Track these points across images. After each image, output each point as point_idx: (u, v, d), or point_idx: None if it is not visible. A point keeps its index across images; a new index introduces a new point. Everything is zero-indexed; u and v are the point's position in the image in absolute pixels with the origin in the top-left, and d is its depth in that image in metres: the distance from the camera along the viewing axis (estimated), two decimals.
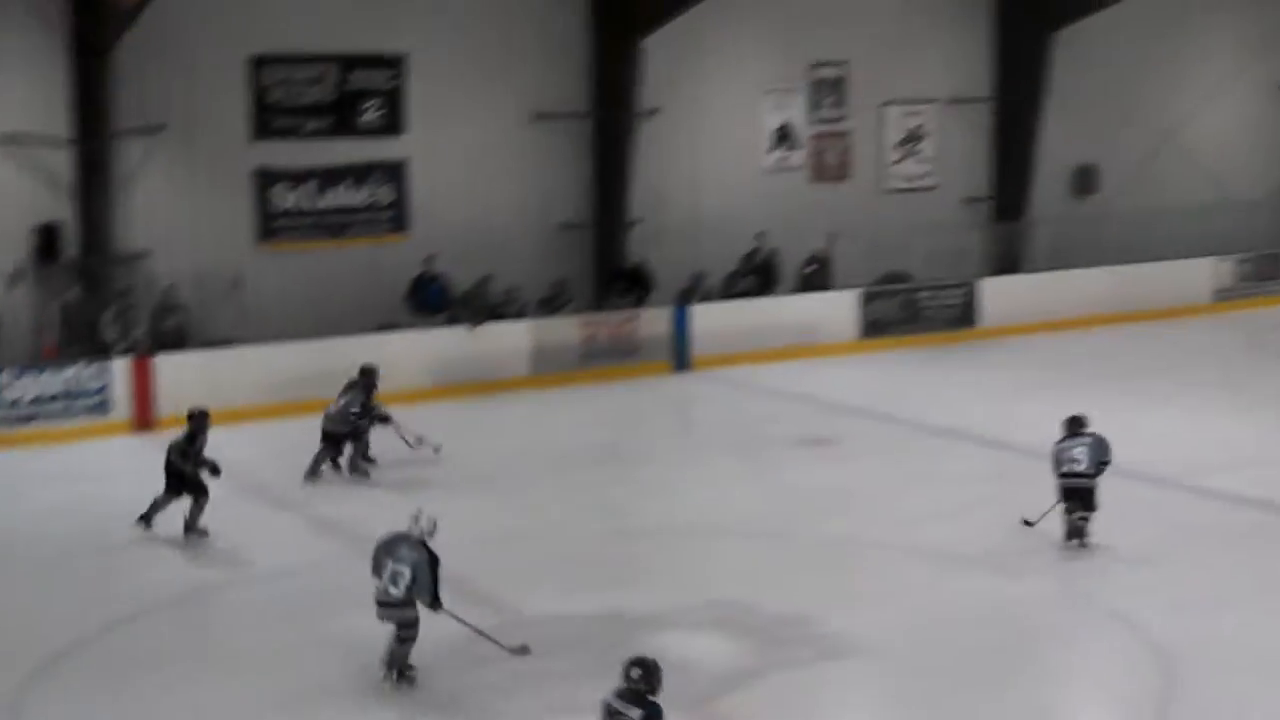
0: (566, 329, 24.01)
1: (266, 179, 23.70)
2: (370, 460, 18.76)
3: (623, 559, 15.75)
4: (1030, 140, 29.11)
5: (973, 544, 15.75)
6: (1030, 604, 14.17)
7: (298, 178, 23.89)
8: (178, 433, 16.66)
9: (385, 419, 18.76)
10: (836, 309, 26.14)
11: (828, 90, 27.99)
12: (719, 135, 26.89)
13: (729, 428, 21.43)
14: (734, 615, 13.70)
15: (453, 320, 23.63)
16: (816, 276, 26.55)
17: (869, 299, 26.44)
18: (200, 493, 16.27)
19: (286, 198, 23.87)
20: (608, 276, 25.51)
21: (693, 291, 25.33)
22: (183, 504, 16.33)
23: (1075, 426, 15.67)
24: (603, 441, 20.73)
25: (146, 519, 16.34)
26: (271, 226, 23.85)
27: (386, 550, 12.36)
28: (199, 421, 16.51)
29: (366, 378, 18.80)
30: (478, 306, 23.68)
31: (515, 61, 25.27)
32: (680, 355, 24.65)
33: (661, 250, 25.95)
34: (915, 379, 24.06)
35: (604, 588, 14.54)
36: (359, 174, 24.32)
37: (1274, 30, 31.94)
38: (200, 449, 16.39)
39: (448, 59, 24.74)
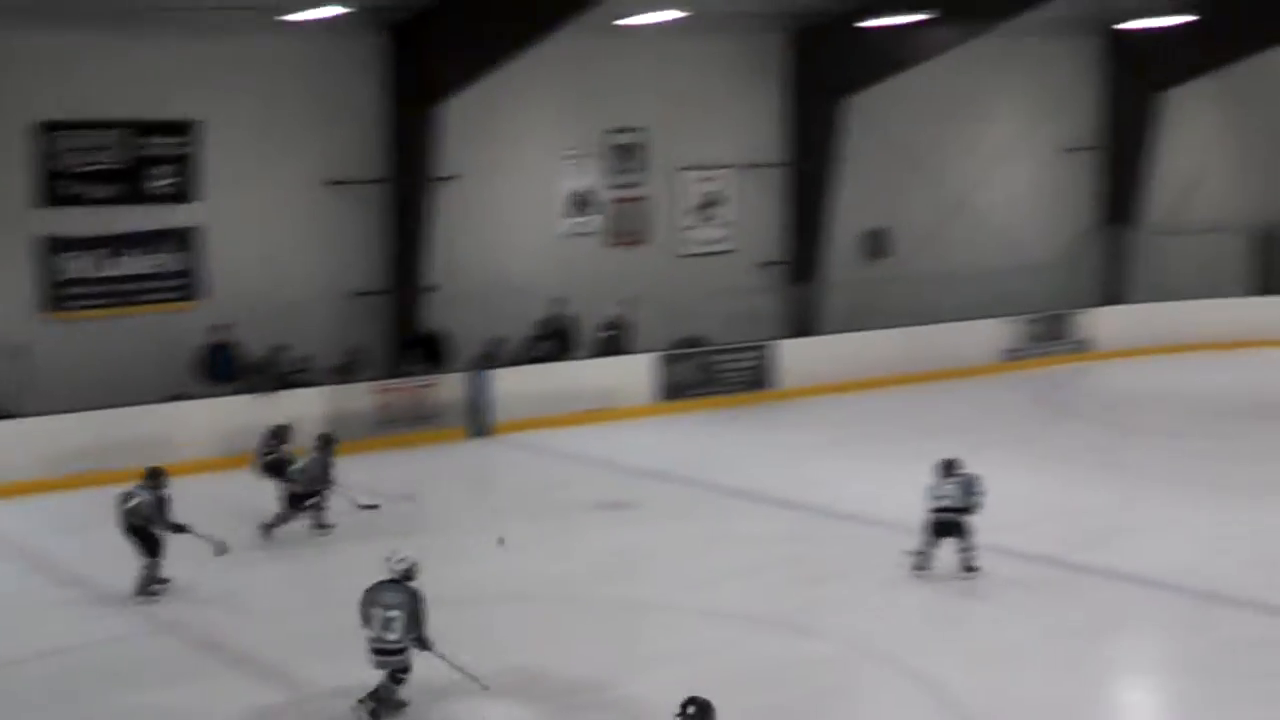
0: (362, 396, 23.75)
1: (54, 246, 23.16)
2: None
3: None
4: (824, 205, 29.59)
5: (769, 604, 15.81)
6: (825, 663, 14.22)
7: (86, 245, 23.38)
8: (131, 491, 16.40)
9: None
10: (634, 373, 26.22)
11: (625, 155, 28.17)
12: (516, 200, 26.91)
13: (527, 492, 21.30)
14: (527, 681, 13.56)
15: (244, 389, 23.24)
16: (614, 340, 26.61)
17: (667, 362, 26.57)
18: (158, 551, 16.31)
19: (74, 266, 23.35)
20: (402, 343, 25.31)
21: (490, 357, 25.23)
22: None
23: (949, 469, 16.53)
24: (398, 509, 20.44)
25: (146, 591, 16.23)
26: (59, 295, 23.32)
27: (371, 600, 12.58)
28: (163, 479, 16.45)
29: (323, 442, 19.03)
30: (270, 375, 23.32)
31: (311, 128, 25.07)
32: (478, 421, 24.50)
33: (459, 315, 25.85)
34: (712, 441, 24.19)
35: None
36: (149, 241, 23.90)
37: (1060, 95, 32.89)
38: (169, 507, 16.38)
39: (242, 125, 24.45)
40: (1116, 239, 33.22)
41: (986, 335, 30.01)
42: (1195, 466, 21.64)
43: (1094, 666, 13.88)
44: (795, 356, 27.73)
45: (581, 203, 27.73)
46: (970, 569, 16.23)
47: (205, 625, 15.48)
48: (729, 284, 28.56)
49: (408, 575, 12.66)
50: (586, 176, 27.77)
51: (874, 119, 29.89)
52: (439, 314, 25.82)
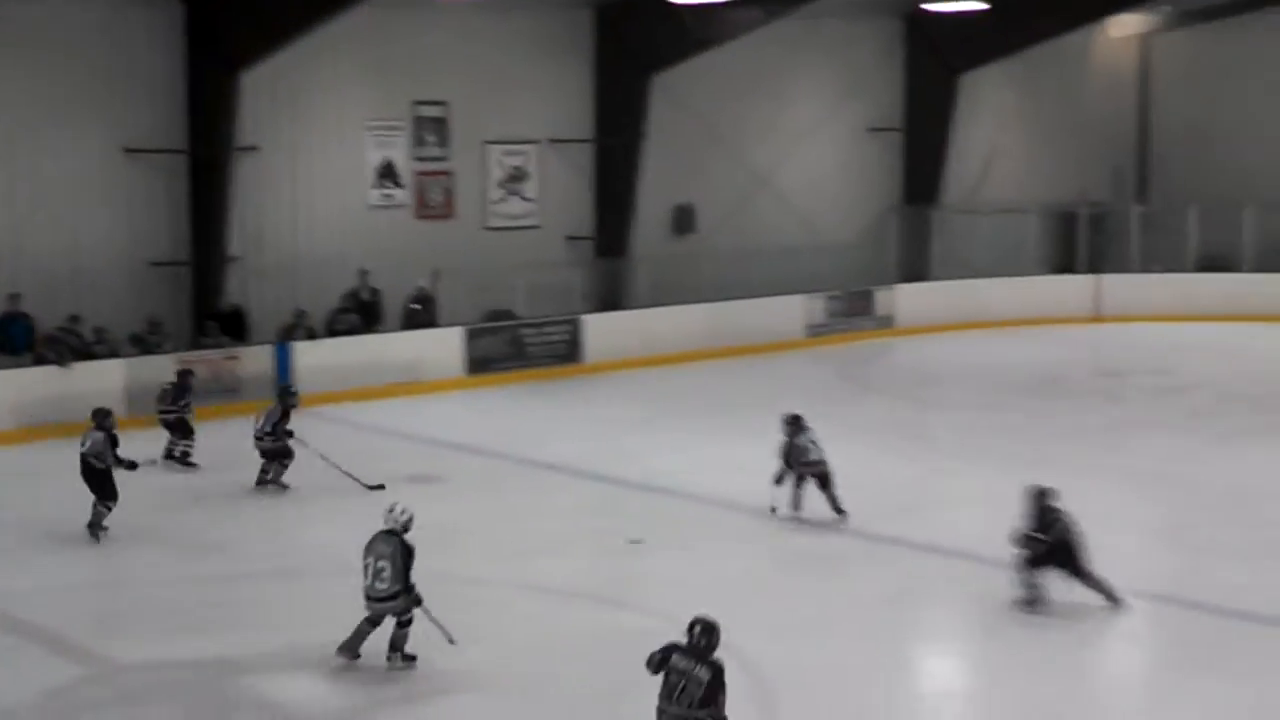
0: (163, 367, 23.19)
1: None
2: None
3: (220, 602, 15.19)
4: (630, 180, 29.66)
5: (581, 576, 15.81)
6: (637, 633, 14.19)
7: None
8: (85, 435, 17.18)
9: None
10: (442, 346, 26.03)
11: (432, 128, 27.93)
12: (320, 172, 26.57)
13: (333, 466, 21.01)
14: (335, 656, 13.36)
15: (40, 360, 22.61)
16: (421, 314, 26.39)
17: (474, 336, 26.43)
18: (113, 495, 17.10)
19: None
20: (202, 317, 24.81)
21: (294, 329, 24.85)
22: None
23: (799, 423, 17.54)
24: (201, 483, 20.07)
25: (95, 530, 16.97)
26: None
27: (368, 549, 13.04)
28: (110, 419, 17.41)
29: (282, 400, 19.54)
30: (66, 345, 22.72)
31: (108, 96, 24.49)
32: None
33: (262, 288, 25.48)
34: (521, 415, 24.12)
35: (202, 633, 14.03)
36: None
37: (861, 76, 33.34)
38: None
39: (37, 93, 23.81)
40: (917, 218, 33.81)
41: (790, 311, 30.34)
42: (994, 440, 22.11)
43: (893, 634, 14.11)
44: (602, 331, 27.78)
45: (387, 175, 27.44)
46: (841, 511, 17.33)
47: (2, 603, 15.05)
48: (536, 258, 28.48)
49: (405, 528, 13.07)
50: (393, 149, 27.48)
51: (681, 96, 30.07)
52: (242, 286, 25.40)
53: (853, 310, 31.25)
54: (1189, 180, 35.60)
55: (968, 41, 32.81)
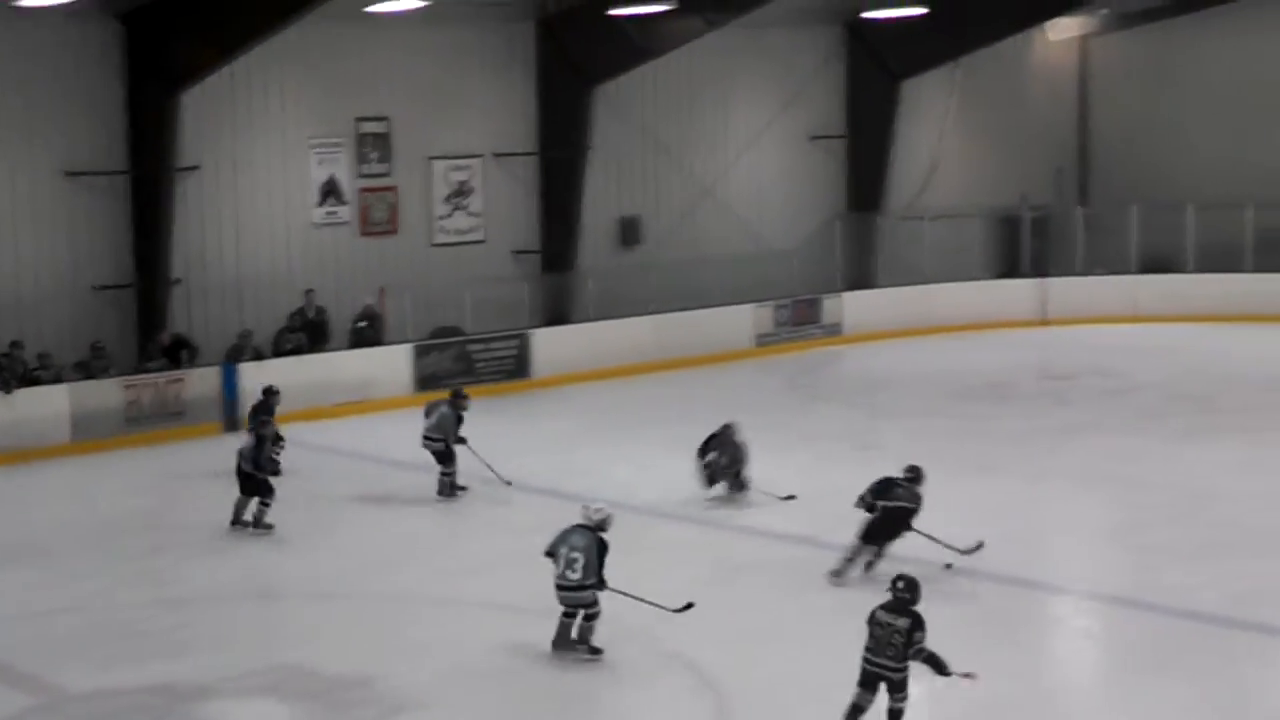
0: (108, 392, 23.04)
1: None
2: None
3: (170, 628, 15.07)
4: (575, 193, 29.61)
5: (531, 592, 15.72)
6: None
7: None
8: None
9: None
10: (390, 364, 25.89)
11: (375, 145, 27.80)
12: (262, 191, 26.41)
13: (281, 486, 20.85)
14: (292, 679, 13.30)
15: None
16: (368, 331, 26.27)
17: (421, 353, 26.31)
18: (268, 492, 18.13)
19: None
20: (146, 344, 24.60)
21: (241, 350, 24.68)
22: None
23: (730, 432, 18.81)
24: (147, 507, 19.92)
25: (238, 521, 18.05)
26: None
27: (562, 540, 13.77)
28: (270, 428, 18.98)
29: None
30: (9, 371, 22.49)
31: (47, 117, 24.28)
32: (231, 415, 23.93)
33: (207, 308, 25.32)
34: (471, 431, 23.94)
35: (151, 658, 13.94)
36: None
37: (804, 84, 33.41)
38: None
39: None
40: (862, 225, 33.88)
41: (738, 321, 30.33)
42: (944, 446, 22.09)
43: (849, 643, 14.08)
44: (551, 345, 27.69)
45: (331, 192, 27.30)
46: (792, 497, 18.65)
47: None
48: (483, 273, 28.40)
49: (600, 526, 13.76)
50: (336, 166, 27.35)
51: (625, 107, 30.08)
52: (186, 308, 25.21)
53: (800, 319, 31.27)
54: (1131, 181, 35.81)
55: (908, 48, 32.95)
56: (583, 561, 13.56)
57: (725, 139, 32.57)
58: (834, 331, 31.57)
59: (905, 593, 11.43)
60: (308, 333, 25.67)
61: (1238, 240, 32.45)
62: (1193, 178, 34.97)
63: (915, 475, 15.82)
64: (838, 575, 15.60)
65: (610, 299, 29.52)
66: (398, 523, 18.74)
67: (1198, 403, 25.23)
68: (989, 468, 20.63)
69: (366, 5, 25.34)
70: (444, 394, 20.60)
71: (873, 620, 11.42)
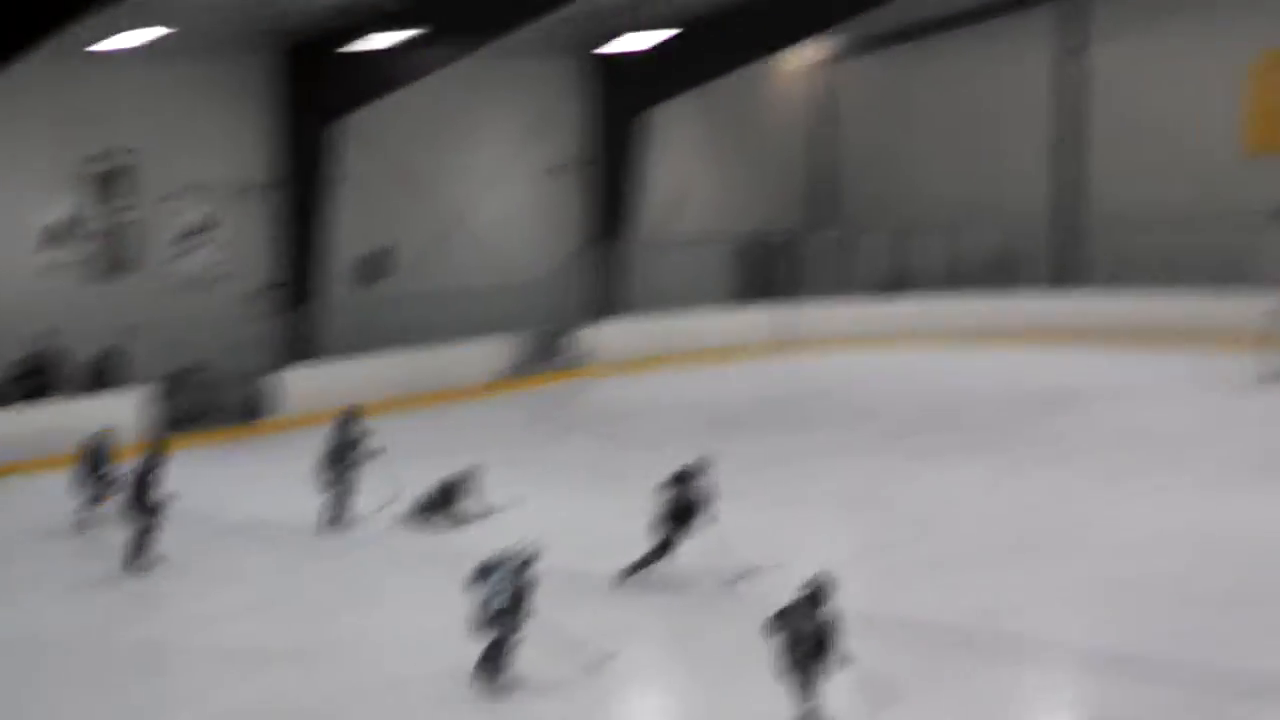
0: None
1: None
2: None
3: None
4: (320, 226, 29.20)
5: (281, 638, 15.43)
6: (334, 693, 13.95)
7: None
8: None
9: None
10: (126, 408, 25.02)
11: (109, 183, 27.01)
12: None
13: (9, 537, 20.13)
14: None
15: None
16: (105, 375, 25.42)
17: (161, 395, 25.54)
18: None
19: None
20: None
21: None
22: None
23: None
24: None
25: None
26: None
27: None
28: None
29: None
30: None
31: None
32: None
33: None
34: (210, 474, 23.34)
35: None
36: None
37: (547, 116, 33.43)
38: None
39: None
40: (609, 254, 33.99)
41: (485, 355, 30.14)
42: None
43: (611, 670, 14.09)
44: (295, 383, 27.11)
45: (60, 235, 26.36)
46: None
47: None
48: (224, 311, 27.77)
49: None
50: (65, 207, 26.44)
51: (370, 139, 29.74)
52: None
53: (548, 351, 31.18)
54: (877, 204, 36.64)
55: (647, 78, 33.23)
56: None
57: (472, 170, 32.45)
58: (582, 362, 31.52)
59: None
60: (36, 378, 24.71)
61: (972, 262, 33.29)
62: (934, 199, 35.87)
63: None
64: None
65: (359, 333, 29.11)
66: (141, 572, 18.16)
67: (940, 421, 25.75)
68: (736, 495, 20.55)
69: (90, 44, 24.64)
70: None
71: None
